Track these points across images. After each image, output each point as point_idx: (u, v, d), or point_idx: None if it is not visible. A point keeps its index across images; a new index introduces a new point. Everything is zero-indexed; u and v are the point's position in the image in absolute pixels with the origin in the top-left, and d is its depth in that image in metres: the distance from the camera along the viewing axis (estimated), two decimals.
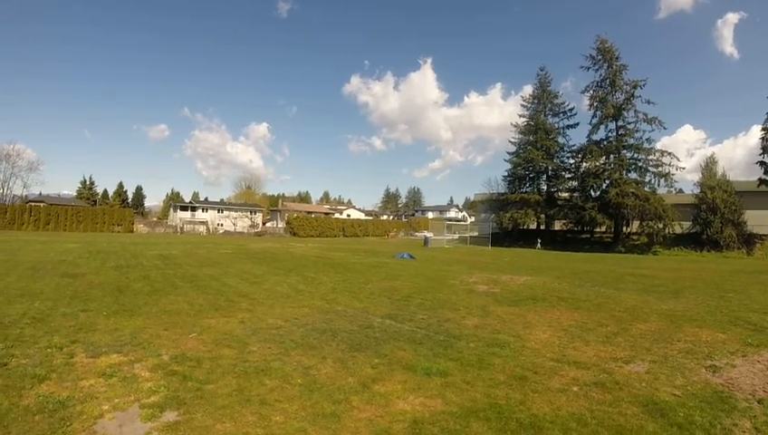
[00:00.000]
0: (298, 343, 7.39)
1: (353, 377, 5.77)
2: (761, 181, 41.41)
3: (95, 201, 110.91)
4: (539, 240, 51.61)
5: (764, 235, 40.77)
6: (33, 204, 69.90)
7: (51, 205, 71.11)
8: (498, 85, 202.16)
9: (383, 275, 17.58)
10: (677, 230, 44.30)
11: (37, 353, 6.33)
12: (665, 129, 49.12)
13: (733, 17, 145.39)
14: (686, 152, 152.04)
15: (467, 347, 7.33)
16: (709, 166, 44.12)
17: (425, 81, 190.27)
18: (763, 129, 41.56)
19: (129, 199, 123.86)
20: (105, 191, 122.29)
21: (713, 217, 40.35)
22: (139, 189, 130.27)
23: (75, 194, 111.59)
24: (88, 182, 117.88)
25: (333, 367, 6.16)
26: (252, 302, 11.14)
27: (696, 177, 58.28)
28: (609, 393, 5.41)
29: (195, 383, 5.40)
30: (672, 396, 5.37)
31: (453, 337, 8.01)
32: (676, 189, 48.26)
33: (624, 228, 48.55)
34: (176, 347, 6.91)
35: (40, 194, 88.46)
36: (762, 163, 41.57)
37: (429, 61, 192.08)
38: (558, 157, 56.23)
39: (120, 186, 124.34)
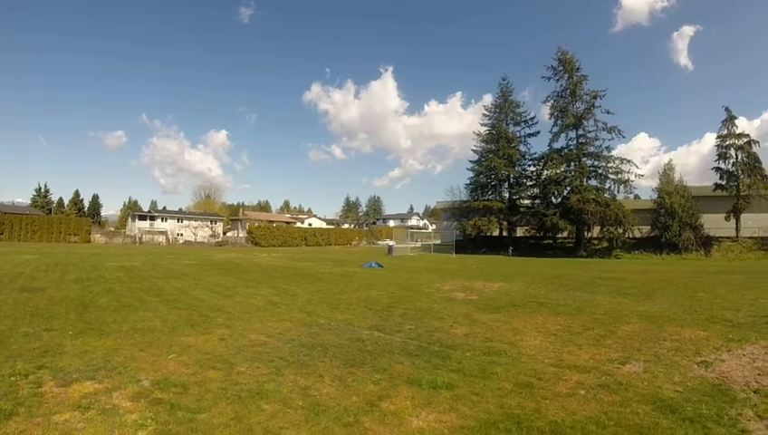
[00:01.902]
0: (288, 360, 6.97)
1: (357, 396, 5.44)
2: (716, 186, 43.40)
3: (50, 210, 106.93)
4: (510, 248, 52.15)
5: (720, 237, 42.62)
6: None
7: (5, 214, 68.29)
8: (458, 94, 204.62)
9: (357, 285, 17.36)
10: (637, 234, 45.72)
11: (0, 383, 5.66)
12: (623, 137, 50.94)
13: (688, 30, 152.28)
14: (642, 159, 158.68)
15: (465, 357, 7.19)
16: (667, 172, 45.71)
17: (385, 89, 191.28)
18: (718, 136, 43.70)
19: (86, 208, 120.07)
20: (60, 200, 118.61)
21: (671, 222, 41.79)
22: (95, 198, 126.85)
23: (30, 202, 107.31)
24: (43, 190, 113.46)
25: (333, 386, 5.81)
26: (228, 316, 10.60)
27: (652, 183, 60.21)
28: (616, 394, 5.44)
29: (185, 413, 4.87)
30: (675, 392, 5.49)
31: (447, 347, 7.86)
32: (634, 195, 49.83)
33: (585, 234, 49.62)
34: (155, 371, 6.33)
35: None
36: (717, 169, 43.72)
37: (390, 69, 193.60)
38: (520, 165, 57.33)
39: (77, 194, 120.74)
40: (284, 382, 5.92)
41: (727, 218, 42.54)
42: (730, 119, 43.14)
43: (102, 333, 8.55)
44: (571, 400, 5.26)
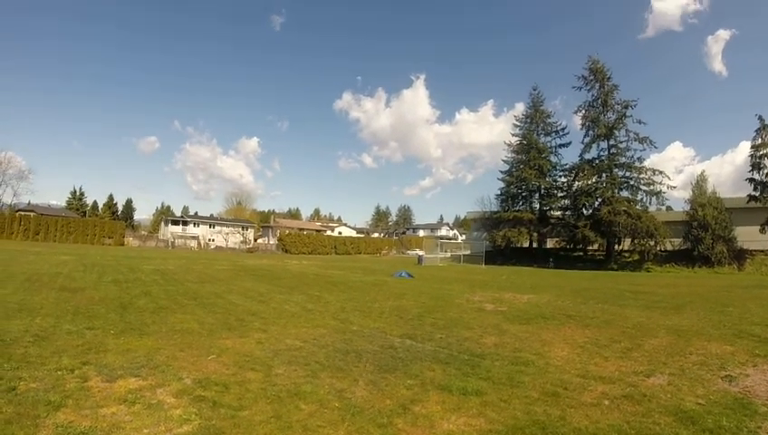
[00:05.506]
0: (324, 364, 7.24)
1: (390, 399, 5.70)
2: (750, 198, 42.35)
3: (84, 213, 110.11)
4: (551, 260, 51.25)
5: (754, 250, 41.70)
6: (22, 213, 69.24)
7: (41, 215, 70.62)
8: (490, 102, 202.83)
9: (388, 294, 17.60)
10: (668, 247, 44.95)
11: (47, 376, 5.88)
12: (656, 148, 50.31)
13: (724, 34, 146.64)
14: (675, 169, 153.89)
15: (494, 366, 7.42)
16: (699, 183, 44.94)
17: (417, 98, 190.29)
18: (752, 146, 42.65)
19: (119, 212, 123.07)
20: (95, 203, 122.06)
21: (704, 234, 41.08)
22: (129, 202, 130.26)
23: (65, 205, 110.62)
24: (78, 193, 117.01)
25: (367, 389, 6.07)
26: (263, 321, 10.90)
27: (685, 194, 59.19)
28: (639, 405, 5.61)
29: (227, 410, 5.10)
30: (697, 405, 5.62)
31: (476, 356, 8.09)
32: (666, 207, 49.11)
33: (616, 246, 49.00)
34: (197, 370, 6.59)
35: (29, 203, 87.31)
36: (751, 180, 42.61)
37: (422, 77, 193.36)
38: (550, 175, 57.02)
39: (111, 198, 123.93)
40: (321, 385, 6.17)
41: (762, 231, 41.42)
42: (764, 128, 42.03)
43: (143, 333, 8.86)
44: (596, 409, 5.47)
